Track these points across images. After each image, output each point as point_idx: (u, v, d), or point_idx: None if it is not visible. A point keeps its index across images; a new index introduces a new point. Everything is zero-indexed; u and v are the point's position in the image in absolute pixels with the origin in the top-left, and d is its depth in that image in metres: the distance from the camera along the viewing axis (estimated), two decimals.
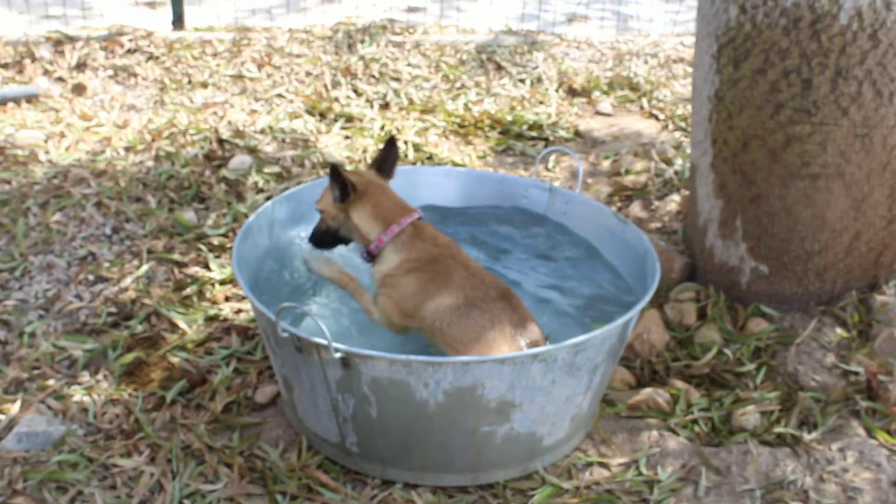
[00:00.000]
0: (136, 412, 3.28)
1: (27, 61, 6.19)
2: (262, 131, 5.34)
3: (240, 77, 6.24)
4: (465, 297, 3.11)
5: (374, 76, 6.35)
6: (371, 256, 3.30)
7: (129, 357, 3.56)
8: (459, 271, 3.19)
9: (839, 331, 3.67)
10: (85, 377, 3.48)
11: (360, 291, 3.32)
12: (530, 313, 3.15)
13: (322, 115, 5.72)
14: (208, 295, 3.95)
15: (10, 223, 4.26)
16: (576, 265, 3.62)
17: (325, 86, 6.14)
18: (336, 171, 3.20)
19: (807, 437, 3.24)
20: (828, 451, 3.18)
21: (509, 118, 5.78)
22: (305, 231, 3.61)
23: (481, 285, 3.15)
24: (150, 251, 4.17)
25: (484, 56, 6.82)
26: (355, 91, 6.12)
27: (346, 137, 5.44)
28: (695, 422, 3.35)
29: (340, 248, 3.46)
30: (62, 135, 5.22)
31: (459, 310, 3.09)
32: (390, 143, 3.43)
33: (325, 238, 3.41)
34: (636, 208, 4.63)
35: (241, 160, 4.90)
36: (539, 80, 6.50)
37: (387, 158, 3.42)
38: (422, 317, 3.14)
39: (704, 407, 3.41)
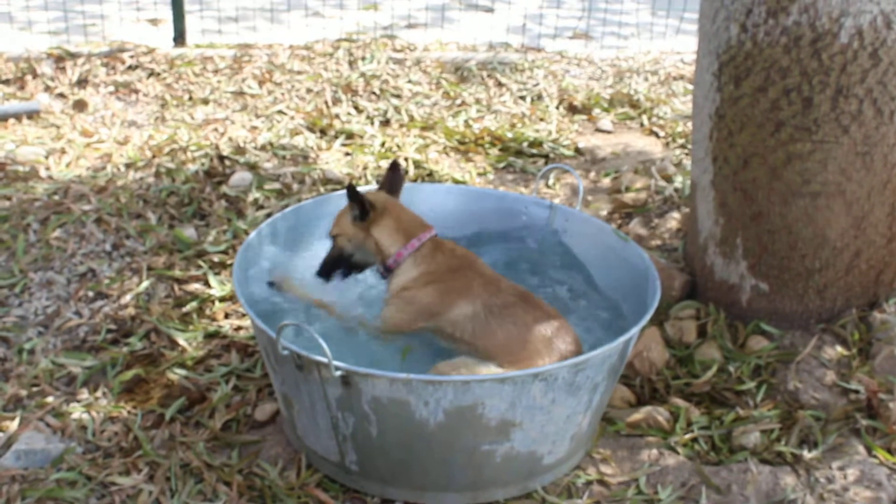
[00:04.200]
0: (135, 430, 3.27)
1: (28, 77, 6.21)
2: (263, 148, 5.35)
3: (240, 93, 6.25)
4: (483, 304, 3.21)
5: (374, 93, 6.36)
6: (388, 271, 3.39)
7: (129, 374, 3.55)
8: (479, 279, 3.30)
9: (839, 349, 3.66)
10: (84, 394, 3.47)
11: (333, 311, 3.41)
12: (553, 308, 3.26)
13: (323, 132, 5.72)
14: (208, 312, 3.94)
15: (10, 239, 4.26)
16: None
17: (326, 102, 6.15)
18: (353, 191, 3.29)
19: (807, 455, 3.23)
20: (828, 470, 3.17)
21: (510, 135, 5.79)
22: (307, 252, 3.62)
23: (499, 292, 3.26)
24: (150, 268, 4.17)
25: (485, 73, 6.84)
26: (356, 108, 6.13)
27: (347, 154, 5.44)
28: (695, 440, 3.34)
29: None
30: (63, 151, 5.22)
31: (477, 319, 3.19)
32: (394, 166, 3.54)
33: (337, 266, 3.45)
34: (636, 226, 4.63)
35: (241, 177, 4.90)
36: (539, 96, 6.52)
37: (393, 180, 3.54)
38: (436, 328, 3.25)
39: (704, 425, 3.40)
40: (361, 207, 3.33)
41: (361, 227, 3.37)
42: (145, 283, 4.05)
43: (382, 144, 5.57)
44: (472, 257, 3.43)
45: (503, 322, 3.16)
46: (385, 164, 5.29)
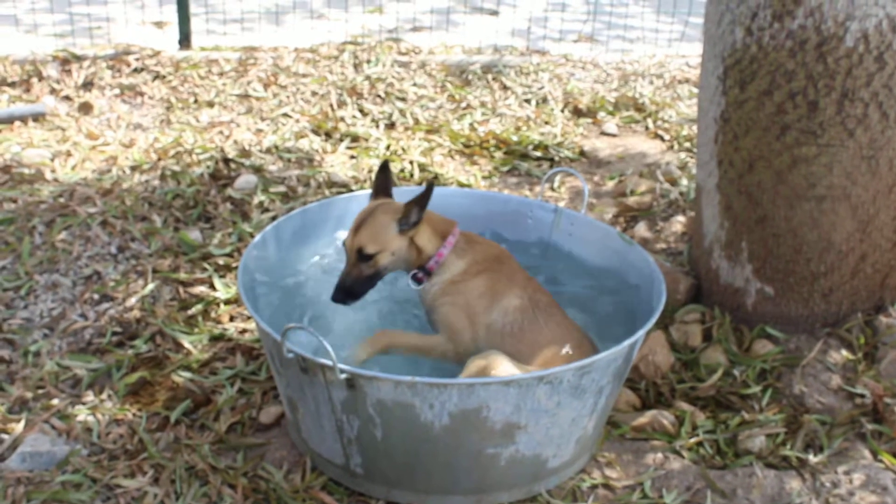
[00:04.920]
0: (140, 432, 3.27)
1: (34, 80, 6.22)
2: (268, 151, 5.35)
3: (246, 96, 6.25)
4: (530, 298, 3.23)
5: (379, 96, 6.36)
6: (428, 274, 3.29)
7: (134, 377, 3.55)
8: (521, 273, 3.33)
9: (845, 353, 3.66)
10: (89, 397, 3.47)
11: (406, 337, 3.24)
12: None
13: (328, 135, 5.73)
14: (213, 315, 3.94)
15: (15, 242, 4.26)
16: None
17: (331, 105, 6.15)
18: (430, 192, 3.16)
19: (813, 459, 3.22)
20: (833, 475, 3.16)
21: (515, 138, 5.79)
22: (312, 256, 3.61)
23: (540, 289, 3.30)
24: (155, 270, 4.17)
25: (489, 76, 6.84)
26: (361, 111, 6.13)
27: (352, 157, 5.45)
28: (700, 444, 3.33)
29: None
30: (68, 153, 5.23)
31: (526, 312, 3.20)
32: (384, 167, 3.41)
33: (368, 287, 3.24)
34: (641, 229, 4.63)
35: (246, 179, 4.90)
36: (544, 100, 6.52)
37: (387, 182, 3.41)
38: (489, 322, 3.20)
39: (710, 429, 3.40)
40: (420, 212, 3.18)
41: (406, 235, 3.22)
42: (150, 286, 4.05)
43: (387, 147, 5.58)
44: (507, 251, 3.43)
45: (549, 321, 3.18)
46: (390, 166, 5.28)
